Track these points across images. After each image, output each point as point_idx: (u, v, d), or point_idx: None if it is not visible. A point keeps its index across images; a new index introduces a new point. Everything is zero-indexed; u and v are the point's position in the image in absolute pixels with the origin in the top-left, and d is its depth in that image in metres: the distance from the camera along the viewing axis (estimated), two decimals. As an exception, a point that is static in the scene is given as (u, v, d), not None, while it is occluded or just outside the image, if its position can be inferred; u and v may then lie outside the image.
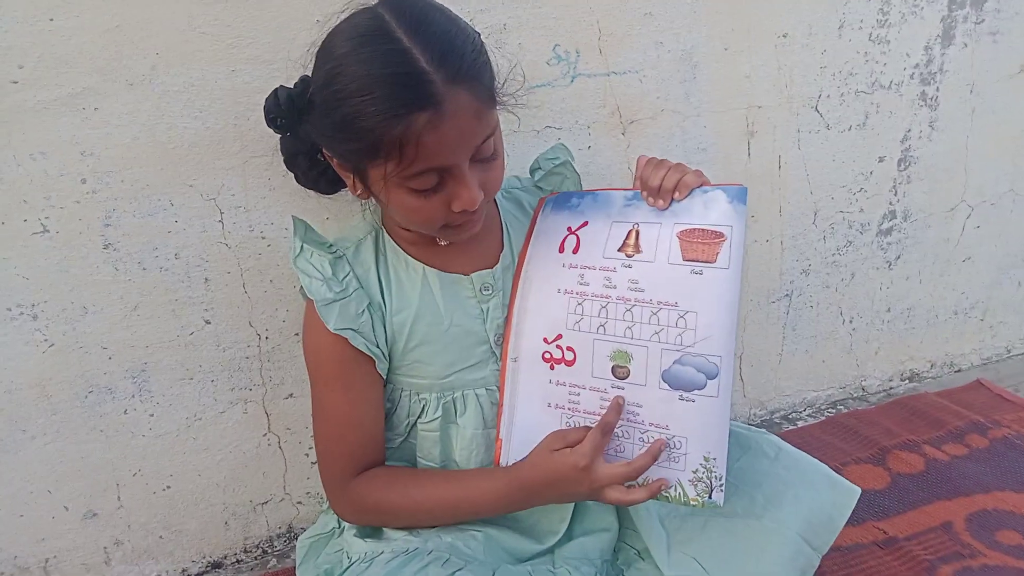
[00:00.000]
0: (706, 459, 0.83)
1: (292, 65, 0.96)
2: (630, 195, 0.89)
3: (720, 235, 0.83)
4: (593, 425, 0.85)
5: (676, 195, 0.87)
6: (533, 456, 0.87)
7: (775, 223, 1.38)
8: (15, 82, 0.90)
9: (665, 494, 0.84)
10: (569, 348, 0.88)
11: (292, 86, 0.85)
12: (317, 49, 0.82)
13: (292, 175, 0.99)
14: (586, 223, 0.90)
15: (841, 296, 1.49)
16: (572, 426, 0.88)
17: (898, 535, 1.15)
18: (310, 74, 0.84)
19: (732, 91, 1.26)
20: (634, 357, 0.84)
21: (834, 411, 1.53)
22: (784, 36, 1.27)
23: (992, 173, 1.53)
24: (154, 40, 0.94)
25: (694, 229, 0.84)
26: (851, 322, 1.52)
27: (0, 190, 0.93)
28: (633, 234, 0.86)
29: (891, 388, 1.60)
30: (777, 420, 1.51)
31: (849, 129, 1.38)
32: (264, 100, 0.86)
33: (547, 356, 0.89)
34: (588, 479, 0.83)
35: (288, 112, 0.86)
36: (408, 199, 0.81)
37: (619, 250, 0.87)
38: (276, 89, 0.86)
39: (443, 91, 0.74)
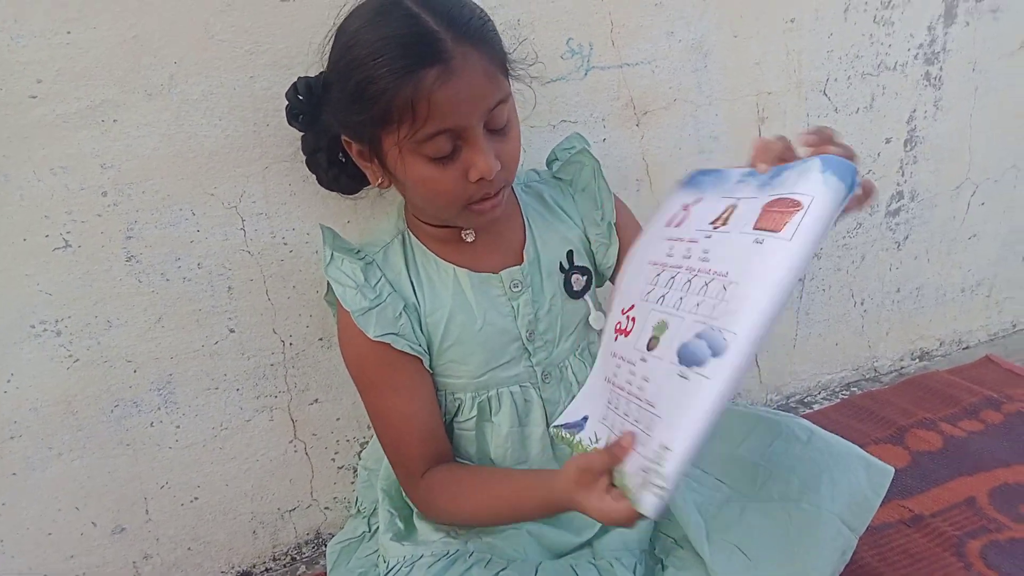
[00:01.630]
0: (660, 449, 0.68)
1: (311, 68, 0.95)
2: (746, 171, 0.79)
3: (796, 204, 0.70)
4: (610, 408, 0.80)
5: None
6: (564, 478, 0.79)
7: (787, 208, 1.38)
8: (34, 97, 0.89)
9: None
10: (632, 319, 0.80)
11: (313, 76, 0.88)
12: (331, 36, 0.84)
13: (314, 179, 0.99)
14: (700, 199, 0.82)
15: (852, 278, 1.50)
16: (612, 403, 0.81)
17: (924, 512, 1.17)
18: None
19: (743, 78, 1.27)
20: (669, 327, 0.75)
21: (848, 393, 1.54)
22: (792, 21, 1.27)
23: (995, 150, 1.55)
24: (172, 49, 0.92)
25: (778, 199, 0.72)
26: (862, 304, 1.53)
27: (21, 206, 0.92)
28: (730, 208, 0.77)
29: (902, 368, 1.62)
30: (793, 404, 1.52)
31: (856, 111, 1.38)
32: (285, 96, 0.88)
33: (618, 326, 0.82)
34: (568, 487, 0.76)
35: (307, 102, 0.88)
36: (425, 170, 0.80)
37: (711, 223, 0.78)
38: (296, 81, 0.89)
39: (452, 48, 0.76)
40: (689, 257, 0.77)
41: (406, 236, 0.95)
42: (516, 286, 0.94)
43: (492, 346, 0.93)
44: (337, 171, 0.95)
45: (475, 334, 0.92)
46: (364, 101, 0.78)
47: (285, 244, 1.05)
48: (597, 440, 0.79)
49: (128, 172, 0.95)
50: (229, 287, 1.04)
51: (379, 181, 0.87)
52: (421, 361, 0.90)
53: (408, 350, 0.88)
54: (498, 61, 0.82)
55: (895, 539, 1.12)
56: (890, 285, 1.55)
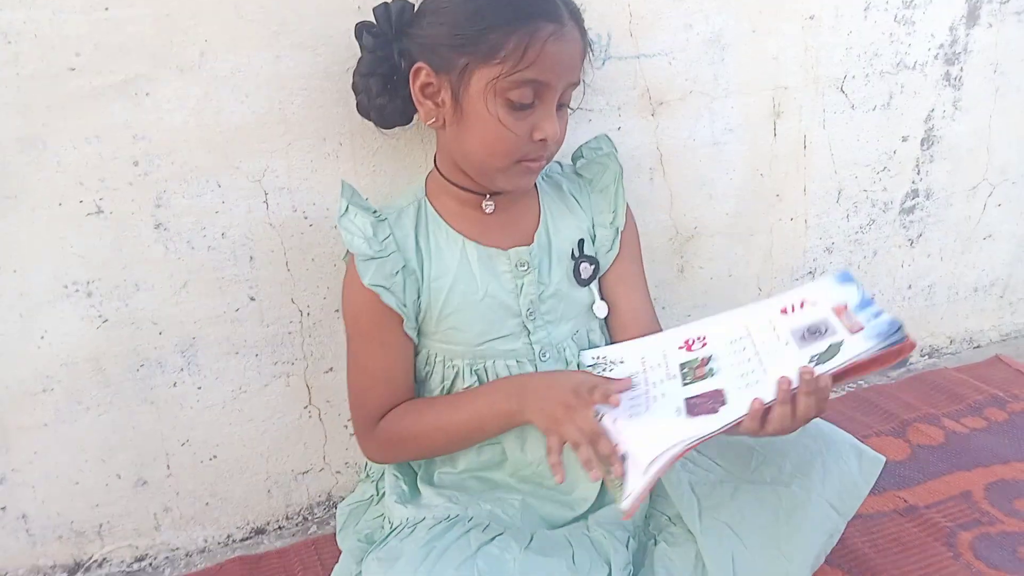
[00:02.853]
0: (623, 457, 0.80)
1: (333, 50, 0.99)
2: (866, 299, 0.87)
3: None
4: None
5: None
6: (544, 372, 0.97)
7: (799, 202, 1.40)
8: (72, 69, 0.94)
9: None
10: (703, 343, 0.92)
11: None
12: None
13: (336, 155, 1.03)
14: (840, 307, 0.87)
15: (863, 273, 1.52)
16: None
17: (918, 503, 1.19)
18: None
19: (759, 72, 1.28)
20: (714, 373, 0.86)
21: (855, 386, 1.56)
22: (811, 18, 1.29)
23: (1015, 152, 1.55)
24: (203, 27, 0.97)
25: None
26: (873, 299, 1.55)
27: (58, 172, 0.97)
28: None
29: (911, 364, 1.63)
30: (799, 395, 1.54)
31: (874, 109, 1.40)
32: (372, 9, 0.95)
33: (688, 341, 0.93)
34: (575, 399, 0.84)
35: (395, 22, 0.93)
36: (501, 112, 0.87)
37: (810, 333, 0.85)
38: (385, 2, 0.94)
39: (565, 16, 0.87)
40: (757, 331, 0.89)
41: (423, 203, 0.99)
42: (522, 265, 0.98)
43: (491, 318, 0.97)
44: (385, 100, 0.97)
45: (476, 304, 0.96)
46: (475, 30, 0.84)
47: (305, 218, 1.10)
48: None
49: (159, 143, 1.00)
50: (251, 257, 1.09)
51: (432, 120, 0.92)
52: (403, 323, 0.95)
53: (394, 306, 0.92)
54: (586, 50, 0.92)
55: (888, 527, 1.15)
56: (901, 281, 1.56)
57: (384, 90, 0.96)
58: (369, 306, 0.93)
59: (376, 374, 0.97)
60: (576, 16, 0.90)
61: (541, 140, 0.89)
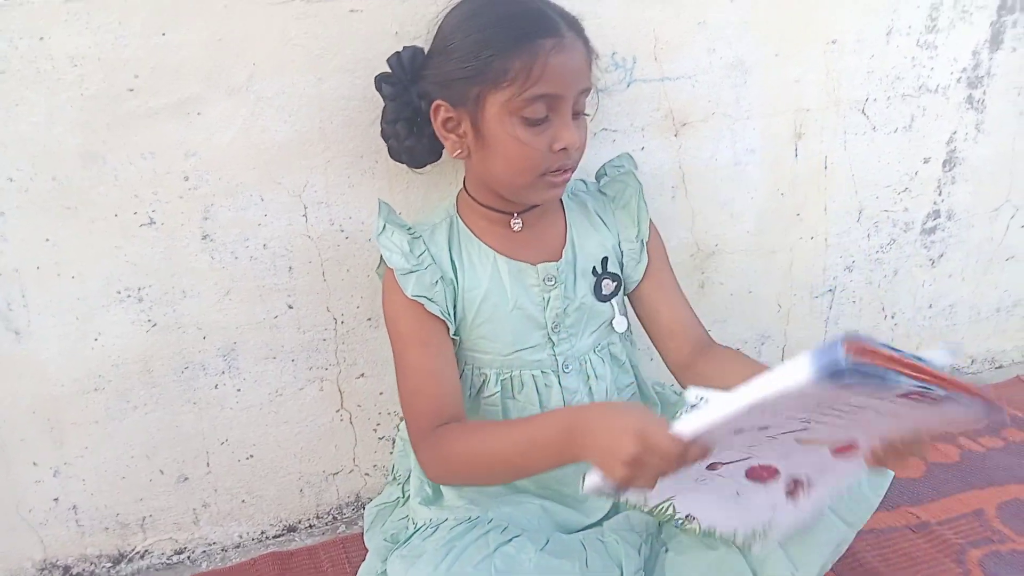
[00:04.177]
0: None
1: (371, 73, 1.05)
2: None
3: None
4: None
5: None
6: (598, 403, 0.99)
7: (820, 221, 1.44)
8: (131, 90, 1.01)
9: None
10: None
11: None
12: (435, 28, 0.96)
13: (371, 172, 1.09)
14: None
15: (884, 292, 1.54)
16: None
17: (930, 520, 1.22)
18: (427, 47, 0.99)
19: (781, 95, 1.32)
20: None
21: (874, 403, 1.58)
22: (833, 42, 1.32)
23: (1038, 174, 1.57)
24: (252, 51, 1.03)
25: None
26: (893, 317, 1.57)
27: (115, 186, 1.04)
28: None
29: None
30: (818, 410, 1.56)
31: (895, 131, 1.43)
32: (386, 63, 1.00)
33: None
34: (635, 449, 0.75)
35: (408, 69, 0.99)
36: (519, 130, 0.91)
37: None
38: (398, 52, 1.00)
39: (563, 28, 0.91)
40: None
41: (455, 220, 1.04)
42: (550, 280, 1.03)
43: (519, 329, 1.02)
44: (413, 141, 1.03)
45: (506, 315, 1.01)
46: (480, 60, 0.89)
47: (342, 231, 1.16)
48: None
49: (208, 160, 1.07)
50: (290, 267, 1.15)
51: (458, 151, 0.97)
52: (447, 329, 1.00)
53: (438, 313, 0.98)
54: (590, 56, 0.96)
55: (899, 542, 1.18)
56: (922, 301, 1.58)
57: (411, 133, 1.02)
58: (411, 315, 0.98)
59: (423, 374, 0.98)
60: (574, 26, 0.93)
61: (562, 150, 0.93)
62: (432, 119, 0.97)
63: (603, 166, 1.14)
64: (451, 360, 1.01)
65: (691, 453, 0.72)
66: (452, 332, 1.01)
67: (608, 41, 1.18)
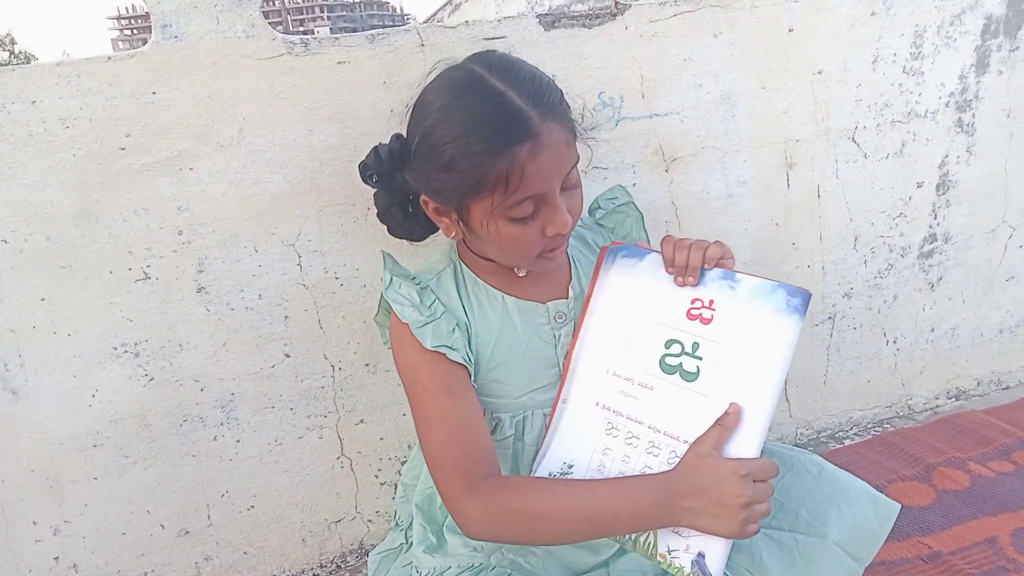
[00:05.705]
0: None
1: (361, 122, 1.06)
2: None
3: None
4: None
5: (705, 266, 0.93)
6: (687, 459, 0.87)
7: (816, 249, 1.44)
8: (122, 148, 1.02)
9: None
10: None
11: (388, 142, 0.95)
12: (411, 108, 0.91)
13: (365, 220, 1.09)
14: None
15: (884, 317, 1.53)
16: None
17: (942, 550, 1.19)
18: (403, 133, 0.94)
19: (770, 126, 1.33)
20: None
21: (881, 429, 1.57)
22: (819, 73, 1.33)
23: (1033, 194, 1.57)
24: (242, 106, 1.05)
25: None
26: (895, 342, 1.56)
27: (109, 243, 1.05)
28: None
29: (937, 406, 1.63)
30: (824, 439, 1.55)
31: (886, 157, 1.43)
32: (362, 158, 0.96)
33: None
34: (750, 489, 0.82)
35: (388, 166, 0.95)
36: (509, 228, 0.89)
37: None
38: (375, 147, 0.96)
39: (539, 125, 0.84)
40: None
41: (458, 266, 1.04)
42: (560, 317, 1.02)
43: (533, 369, 1.01)
44: (410, 224, 1.02)
45: (519, 357, 1.00)
46: (458, 173, 0.86)
47: (336, 278, 1.16)
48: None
49: (201, 214, 1.08)
50: (286, 316, 1.16)
51: (453, 233, 0.96)
52: (469, 374, 0.97)
53: (461, 360, 0.95)
54: (571, 131, 0.91)
55: (911, 574, 1.16)
56: (924, 324, 1.58)
57: (407, 214, 1.01)
58: (432, 365, 0.95)
59: (453, 422, 0.93)
60: (550, 109, 0.86)
61: (556, 234, 0.91)
62: (423, 207, 0.96)
63: (596, 199, 1.14)
64: (479, 407, 0.98)
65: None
66: (472, 377, 0.99)
67: (595, 81, 1.20)
